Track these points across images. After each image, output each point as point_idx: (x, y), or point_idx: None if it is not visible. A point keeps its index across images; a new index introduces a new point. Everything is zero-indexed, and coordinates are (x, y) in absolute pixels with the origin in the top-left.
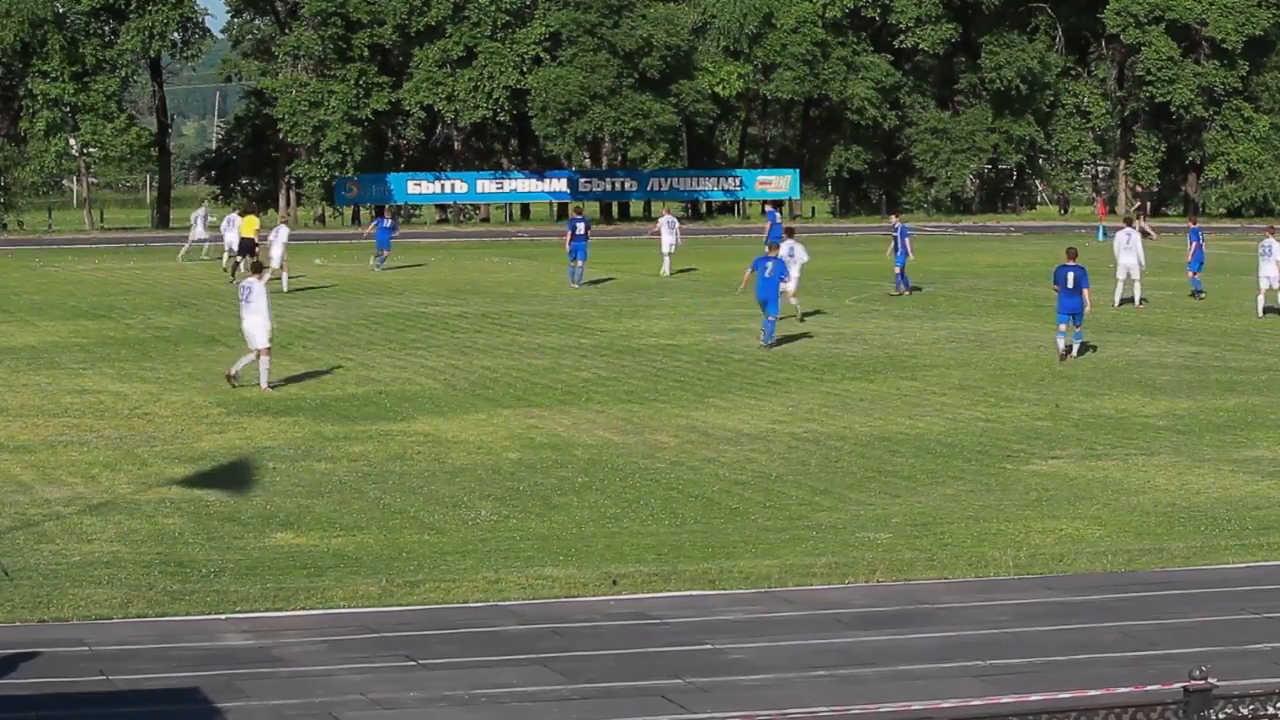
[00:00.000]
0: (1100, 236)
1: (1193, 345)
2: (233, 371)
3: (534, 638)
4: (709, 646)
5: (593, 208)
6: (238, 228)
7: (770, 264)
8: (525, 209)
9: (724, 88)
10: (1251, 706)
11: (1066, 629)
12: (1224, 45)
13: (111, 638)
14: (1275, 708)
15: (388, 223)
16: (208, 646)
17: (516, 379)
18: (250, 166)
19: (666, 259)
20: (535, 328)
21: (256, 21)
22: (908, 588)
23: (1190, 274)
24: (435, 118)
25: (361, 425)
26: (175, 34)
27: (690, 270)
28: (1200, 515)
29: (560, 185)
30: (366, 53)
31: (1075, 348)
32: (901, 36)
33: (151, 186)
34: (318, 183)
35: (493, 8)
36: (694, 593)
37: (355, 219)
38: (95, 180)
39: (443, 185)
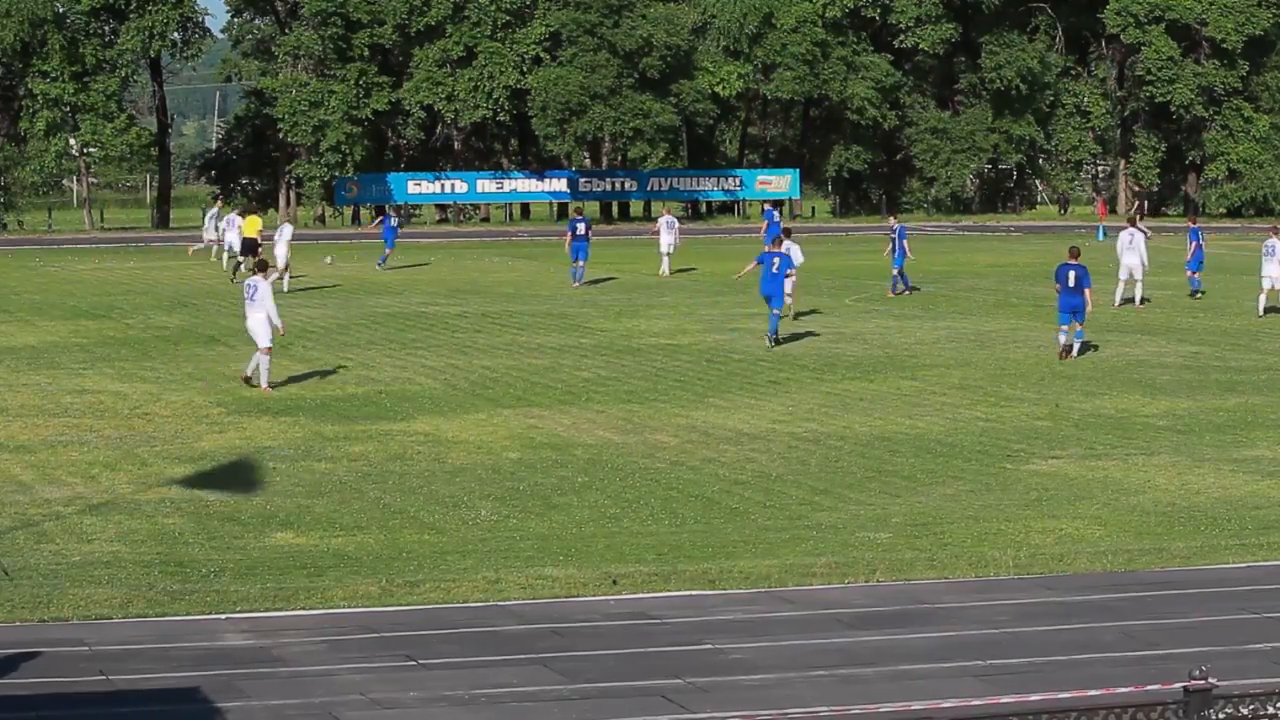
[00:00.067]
0: (1100, 236)
1: (1193, 345)
2: (248, 373)
3: (534, 638)
4: (709, 646)
5: (593, 208)
6: (238, 228)
7: (777, 259)
8: (525, 209)
9: (724, 88)
10: (1251, 706)
11: (1066, 629)
12: (1224, 45)
13: (111, 638)
14: (1275, 708)
15: (394, 220)
16: (208, 646)
17: (516, 379)
18: (250, 166)
19: (665, 259)
20: (535, 328)
21: (256, 21)
22: (908, 588)
23: (1189, 273)
24: (435, 118)
25: (361, 425)
26: (175, 34)
27: (690, 270)
28: (1200, 515)
29: (560, 185)
30: (366, 53)
31: (1076, 347)
32: (901, 36)
33: (151, 186)
34: (318, 183)
35: (493, 8)
36: (694, 593)
37: (355, 219)
38: (95, 180)
39: (443, 185)
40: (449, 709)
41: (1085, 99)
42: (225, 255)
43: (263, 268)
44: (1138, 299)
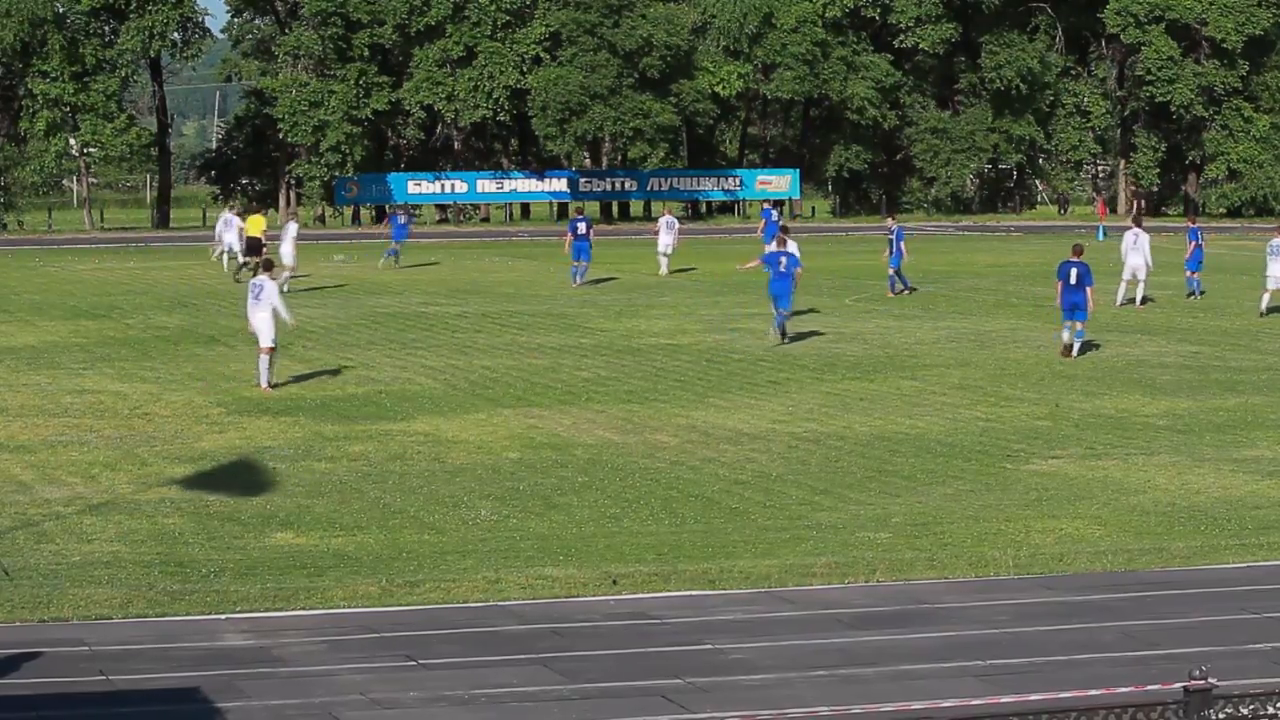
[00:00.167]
0: (1100, 236)
1: (1193, 345)
2: (269, 380)
3: (534, 638)
4: (709, 646)
5: (593, 208)
6: (236, 228)
7: (784, 259)
8: (525, 209)
9: (724, 88)
10: (1251, 706)
11: (1066, 629)
12: (1224, 45)
13: (111, 638)
14: (1275, 708)
15: (402, 219)
16: (208, 646)
17: (516, 379)
18: (250, 166)
19: (663, 259)
20: (535, 328)
21: (256, 21)
22: (908, 588)
23: (1188, 273)
24: (435, 117)
25: (361, 425)
26: (175, 34)
27: (690, 270)
28: (1200, 515)
29: (560, 185)
30: (366, 53)
31: (1076, 346)
32: (901, 36)
33: (151, 186)
34: (318, 183)
35: (493, 8)
36: (694, 593)
37: (355, 219)
38: (95, 180)
39: (443, 185)
40: (449, 709)
41: (1085, 99)
42: (226, 256)
43: (269, 267)
44: (1138, 299)
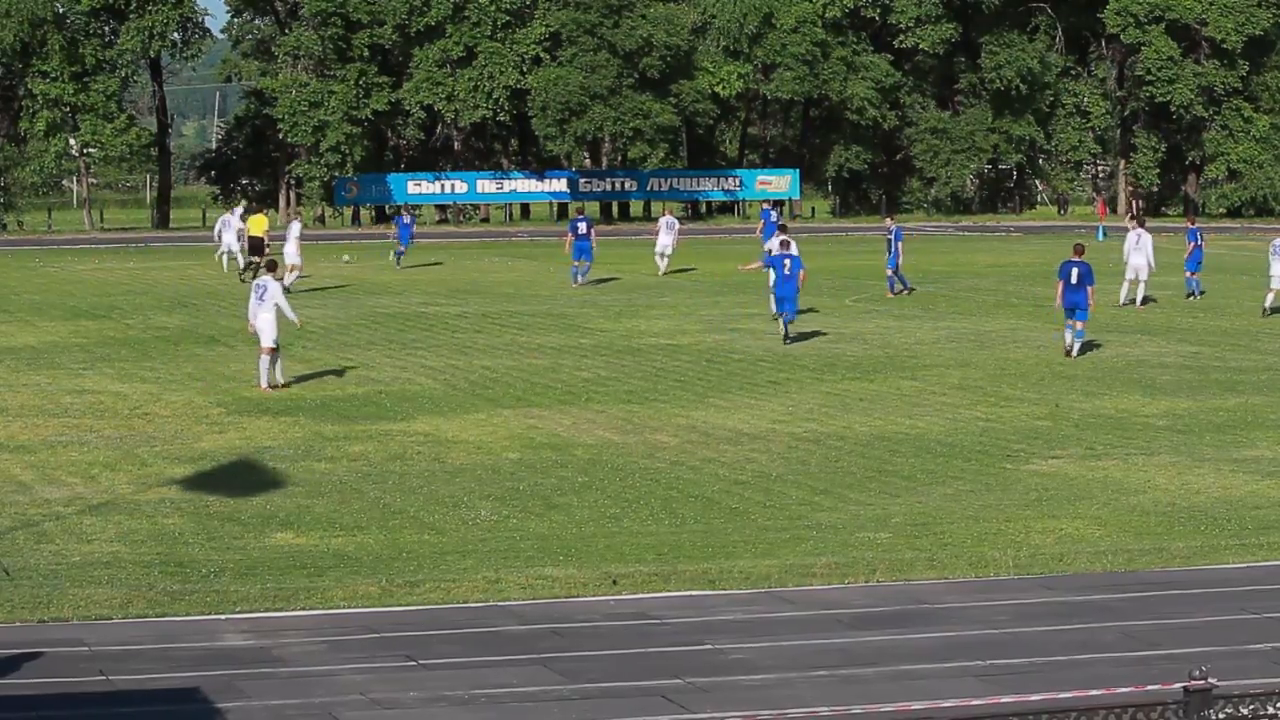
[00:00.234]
0: (1100, 237)
1: (1193, 345)
2: (280, 380)
3: (534, 638)
4: (709, 646)
5: (593, 208)
6: (234, 227)
7: (788, 261)
8: (525, 209)
9: (724, 88)
10: (1251, 706)
11: (1066, 629)
12: (1224, 45)
13: (111, 638)
14: (1275, 708)
15: (407, 219)
16: (208, 646)
17: (516, 379)
18: (250, 166)
19: (660, 259)
20: (535, 328)
21: (256, 21)
22: (908, 588)
23: (1187, 274)
24: (435, 118)
25: (361, 425)
26: (175, 34)
27: (690, 270)
28: (1200, 515)
29: (560, 185)
30: (366, 53)
31: (1076, 346)
32: (901, 36)
33: (151, 186)
34: (317, 183)
35: (493, 8)
36: (694, 593)
37: (355, 219)
38: (95, 180)
39: (443, 185)
40: (449, 709)
41: (1085, 99)
42: (225, 257)
43: (272, 267)
44: (1139, 299)
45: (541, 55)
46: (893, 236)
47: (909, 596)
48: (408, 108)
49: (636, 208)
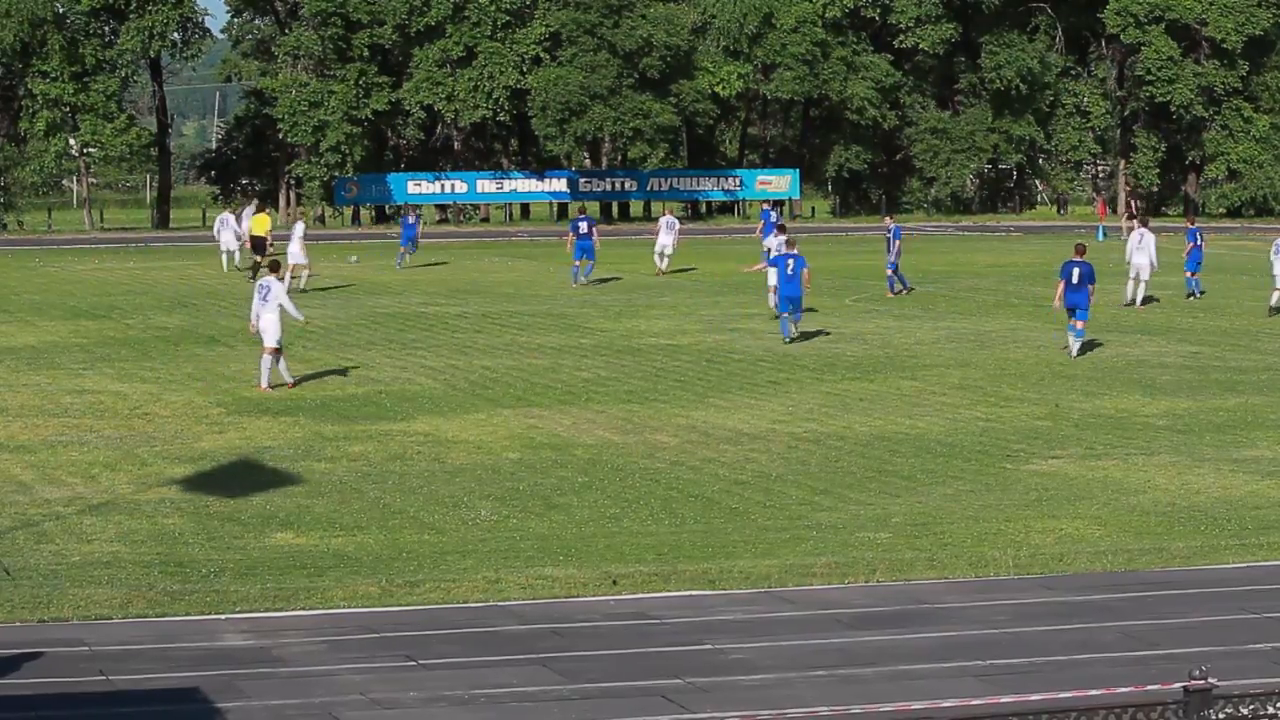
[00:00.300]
0: (1100, 237)
1: (1193, 345)
2: (288, 380)
3: (534, 638)
4: (709, 646)
5: (593, 208)
6: (231, 226)
7: (791, 261)
8: (525, 209)
9: (724, 88)
10: (1251, 706)
11: (1066, 629)
12: (1224, 45)
13: (111, 638)
14: (1275, 708)
15: (411, 219)
16: (208, 646)
17: (516, 379)
18: (250, 166)
19: (660, 258)
20: (535, 328)
21: (256, 21)
22: (908, 588)
23: (1187, 274)
24: (435, 118)
25: (361, 425)
26: (175, 34)
27: (690, 270)
28: (1200, 515)
29: (560, 185)
30: (366, 53)
31: (1076, 346)
32: (901, 36)
33: (151, 186)
34: (317, 183)
35: (493, 8)
36: (694, 593)
37: (355, 219)
38: (95, 180)
39: (443, 185)
40: (449, 709)
41: (1085, 99)
42: (225, 256)
43: (275, 268)
44: (1139, 299)
45: (541, 55)
46: (890, 235)
47: (909, 596)
48: (408, 108)
49: (636, 208)
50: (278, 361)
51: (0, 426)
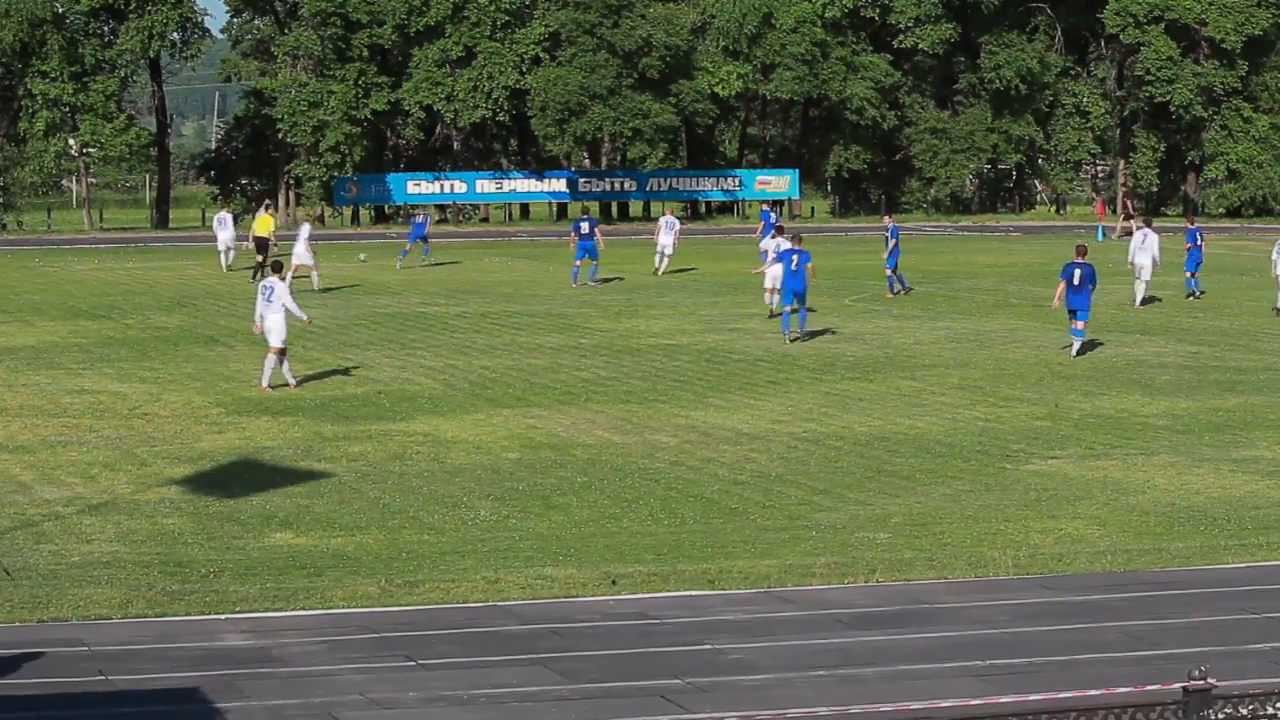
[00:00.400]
0: (1099, 236)
1: (1192, 345)
2: (290, 380)
3: (534, 638)
4: (709, 646)
5: (592, 208)
6: (229, 226)
7: (796, 257)
8: (525, 209)
9: (723, 88)
10: (1251, 706)
11: (1066, 629)
12: (1223, 45)
13: (111, 638)
14: (1275, 708)
15: (419, 217)
16: (207, 646)
17: (516, 379)
18: (250, 166)
19: (659, 257)
20: (535, 328)
21: (256, 21)
22: (907, 588)
23: (1187, 274)
24: (435, 118)
25: (361, 425)
26: (175, 34)
27: (690, 270)
28: (1200, 515)
29: (560, 185)
30: (366, 53)
31: (1076, 346)
32: (901, 36)
33: (151, 187)
34: (317, 183)
35: (492, 8)
36: (694, 593)
37: (355, 219)
38: (95, 180)
39: (442, 185)
40: (449, 709)
41: (1085, 99)
42: (222, 256)
43: (278, 268)
44: (1138, 300)
45: (541, 55)
46: (889, 234)
47: (908, 596)
48: (407, 108)
49: (636, 208)
50: (281, 362)
51: (0, 426)
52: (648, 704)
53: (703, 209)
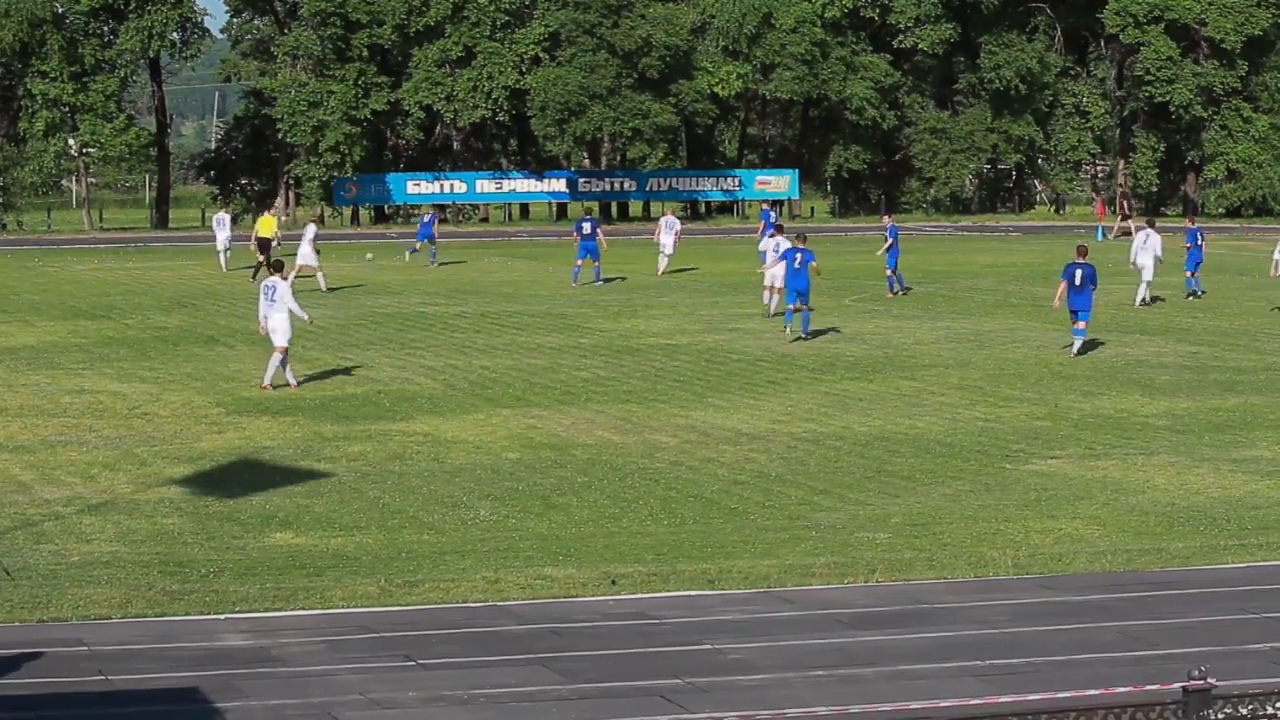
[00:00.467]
0: (1099, 236)
1: (1192, 345)
2: (291, 381)
3: (534, 638)
4: (709, 646)
5: (592, 208)
6: (227, 226)
7: (799, 255)
8: (524, 209)
9: (723, 88)
10: (1251, 706)
11: (1066, 629)
12: (1223, 45)
13: (111, 638)
14: (1274, 708)
15: (427, 217)
16: (207, 646)
17: (516, 379)
18: (249, 166)
19: (660, 258)
20: (534, 328)
21: (256, 21)
22: (907, 588)
23: (1187, 274)
24: (434, 118)
25: (361, 425)
26: (175, 34)
27: (690, 270)
28: (1200, 515)
29: (559, 185)
30: (366, 53)
31: (1077, 346)
32: (901, 36)
33: (151, 186)
34: (316, 183)
35: (492, 8)
36: (693, 593)
37: (354, 219)
38: (94, 180)
39: (442, 185)
40: (448, 709)
41: (1084, 99)
42: (222, 256)
43: (279, 268)
44: (1138, 300)
45: (541, 55)
46: (888, 233)
47: (908, 596)
48: (407, 108)
49: (636, 208)
50: (284, 362)
51: (0, 426)
52: (647, 704)
53: (702, 209)
